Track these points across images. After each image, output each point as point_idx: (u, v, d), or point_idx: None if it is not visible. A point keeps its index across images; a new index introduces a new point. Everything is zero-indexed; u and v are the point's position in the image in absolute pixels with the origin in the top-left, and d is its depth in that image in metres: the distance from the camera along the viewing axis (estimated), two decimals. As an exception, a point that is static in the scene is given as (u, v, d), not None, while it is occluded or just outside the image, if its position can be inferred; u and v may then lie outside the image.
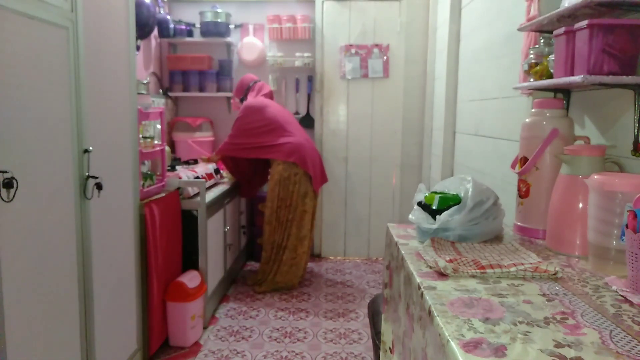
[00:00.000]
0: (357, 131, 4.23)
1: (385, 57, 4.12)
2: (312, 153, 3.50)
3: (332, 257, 4.33)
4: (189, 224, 2.77)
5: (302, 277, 3.62)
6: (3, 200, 1.35)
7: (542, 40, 1.70)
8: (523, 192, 1.55)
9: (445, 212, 1.38)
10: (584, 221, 1.25)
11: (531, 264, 1.16)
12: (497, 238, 1.47)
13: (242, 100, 3.64)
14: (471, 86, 2.94)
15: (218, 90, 4.12)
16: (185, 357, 2.56)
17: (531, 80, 1.70)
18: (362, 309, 3.21)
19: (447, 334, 0.83)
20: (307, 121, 4.20)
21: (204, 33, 3.99)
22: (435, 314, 0.91)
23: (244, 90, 3.63)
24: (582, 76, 1.27)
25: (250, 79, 3.67)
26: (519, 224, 1.57)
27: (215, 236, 3.08)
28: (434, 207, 1.43)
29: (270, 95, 3.65)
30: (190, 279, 2.64)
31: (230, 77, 4.16)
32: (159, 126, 2.86)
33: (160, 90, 4.05)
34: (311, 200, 3.51)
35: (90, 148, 1.83)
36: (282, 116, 3.50)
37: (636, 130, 1.31)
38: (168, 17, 3.95)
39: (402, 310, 1.31)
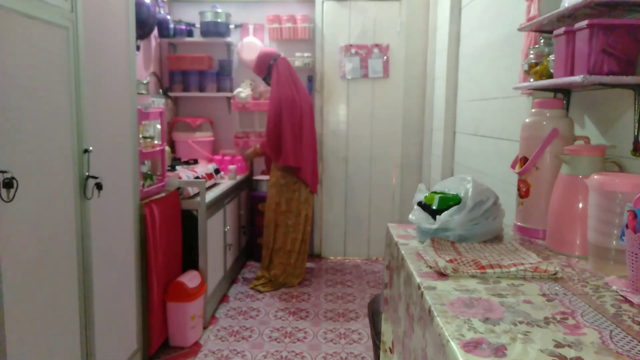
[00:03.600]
0: (357, 131, 4.23)
1: (385, 57, 4.12)
2: (313, 158, 3.56)
3: (332, 257, 4.33)
4: (189, 224, 2.77)
5: (302, 276, 3.64)
6: (3, 200, 1.35)
7: (542, 40, 1.70)
8: (523, 192, 1.55)
9: (445, 212, 1.38)
10: (584, 221, 1.25)
11: (531, 264, 1.16)
12: (497, 238, 1.47)
13: (265, 79, 3.55)
14: (471, 86, 2.94)
15: (218, 90, 4.12)
16: (185, 357, 2.56)
17: (531, 80, 1.70)
18: (362, 309, 3.21)
19: (447, 334, 0.83)
20: (307, 121, 4.20)
21: (204, 33, 3.99)
22: (435, 314, 0.91)
23: (266, 69, 3.51)
24: (582, 76, 1.27)
25: (270, 55, 3.49)
26: (519, 224, 1.57)
27: (215, 236, 3.08)
28: (434, 207, 1.43)
29: (288, 73, 3.48)
30: (190, 279, 2.64)
31: (231, 77, 4.16)
32: (159, 126, 2.86)
33: (160, 90, 4.05)
34: (310, 205, 3.62)
35: (90, 148, 1.83)
36: (298, 113, 3.44)
37: (636, 130, 1.31)
38: (168, 17, 3.95)
39: (402, 310, 1.31)
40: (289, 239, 3.54)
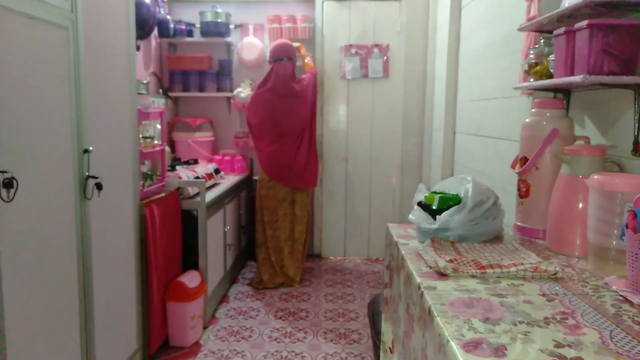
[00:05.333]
0: (357, 131, 4.23)
1: (385, 57, 4.12)
2: (288, 164, 3.51)
3: (332, 257, 4.33)
4: (189, 224, 2.77)
5: (300, 276, 3.64)
6: (3, 200, 1.35)
7: (542, 40, 1.70)
8: (523, 192, 1.55)
9: (445, 212, 1.38)
10: (584, 221, 1.25)
11: (531, 264, 1.16)
12: (497, 238, 1.48)
13: None
14: (471, 86, 2.94)
15: (218, 90, 4.12)
16: (185, 357, 2.56)
17: (531, 80, 1.70)
18: (362, 309, 3.21)
19: (447, 334, 0.83)
20: (307, 121, 4.19)
21: (204, 33, 3.99)
22: (435, 314, 0.91)
23: (269, 62, 3.60)
24: (582, 76, 1.27)
25: (272, 54, 3.52)
26: (519, 224, 1.57)
27: (215, 236, 3.08)
28: (434, 207, 1.43)
29: (273, 79, 3.49)
30: (190, 279, 2.64)
31: (231, 77, 4.15)
32: (159, 126, 2.86)
33: (160, 90, 4.05)
34: (291, 205, 3.58)
35: (90, 148, 1.83)
36: (272, 115, 3.48)
37: (636, 130, 1.31)
38: (168, 17, 3.95)
39: (402, 310, 1.31)
40: (268, 236, 3.57)
